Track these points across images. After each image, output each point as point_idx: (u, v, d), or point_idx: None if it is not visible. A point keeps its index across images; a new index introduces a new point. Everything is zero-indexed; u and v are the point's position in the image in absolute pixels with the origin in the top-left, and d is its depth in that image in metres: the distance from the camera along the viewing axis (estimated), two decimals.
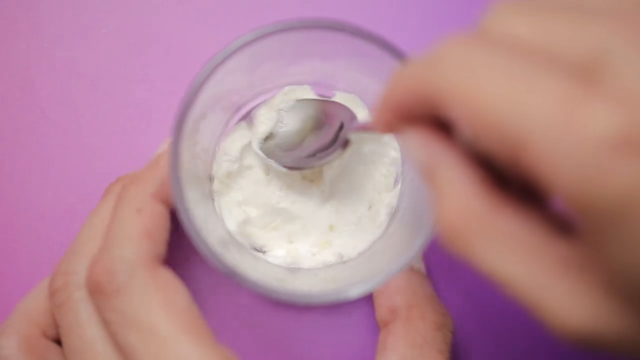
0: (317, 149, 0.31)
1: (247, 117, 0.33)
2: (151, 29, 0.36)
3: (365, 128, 0.26)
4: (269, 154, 0.32)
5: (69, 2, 0.36)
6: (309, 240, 0.33)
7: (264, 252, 0.33)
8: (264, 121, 0.32)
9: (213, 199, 0.33)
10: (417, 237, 0.26)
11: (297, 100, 0.32)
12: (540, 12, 0.17)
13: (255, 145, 0.32)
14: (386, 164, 0.33)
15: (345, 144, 0.29)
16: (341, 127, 0.30)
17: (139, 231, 0.27)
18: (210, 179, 0.33)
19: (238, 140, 0.33)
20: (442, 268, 0.35)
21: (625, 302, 0.16)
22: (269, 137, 0.32)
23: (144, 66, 0.36)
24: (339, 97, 0.33)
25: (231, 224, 0.33)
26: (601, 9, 0.17)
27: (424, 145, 0.19)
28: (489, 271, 0.18)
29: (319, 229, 0.33)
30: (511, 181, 0.18)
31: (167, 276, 0.27)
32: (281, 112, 0.32)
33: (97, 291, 0.26)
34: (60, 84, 0.36)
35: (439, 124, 0.20)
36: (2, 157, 0.35)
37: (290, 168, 0.32)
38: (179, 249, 0.34)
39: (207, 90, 0.26)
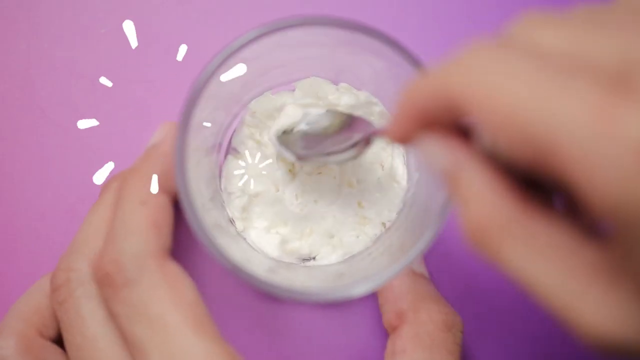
0: (332, 152, 0.31)
1: (230, 150, 0.34)
2: (151, 29, 0.36)
3: (382, 133, 0.26)
4: (282, 143, 0.32)
5: (69, 2, 0.36)
6: (346, 227, 0.33)
7: (314, 259, 0.33)
8: (289, 113, 0.32)
9: (244, 238, 0.33)
10: (422, 236, 0.26)
11: (327, 110, 0.32)
12: (567, 23, 0.17)
13: (273, 133, 0.32)
14: (377, 117, 0.33)
15: (367, 143, 0.29)
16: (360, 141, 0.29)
17: (145, 223, 0.27)
18: (231, 221, 0.33)
19: (233, 174, 0.33)
20: (442, 270, 0.35)
21: None
22: (286, 131, 0.32)
23: (144, 66, 0.36)
24: (300, 86, 0.33)
25: (272, 251, 0.33)
26: (627, 20, 0.17)
27: (445, 150, 0.19)
28: (517, 274, 0.18)
29: (350, 211, 0.33)
30: (532, 186, 0.18)
31: (175, 269, 0.27)
32: (308, 115, 0.32)
33: (106, 283, 0.26)
34: (60, 84, 0.36)
35: (458, 130, 0.19)
36: (2, 157, 0.35)
37: (301, 159, 0.31)
38: (181, 242, 0.34)
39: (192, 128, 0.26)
